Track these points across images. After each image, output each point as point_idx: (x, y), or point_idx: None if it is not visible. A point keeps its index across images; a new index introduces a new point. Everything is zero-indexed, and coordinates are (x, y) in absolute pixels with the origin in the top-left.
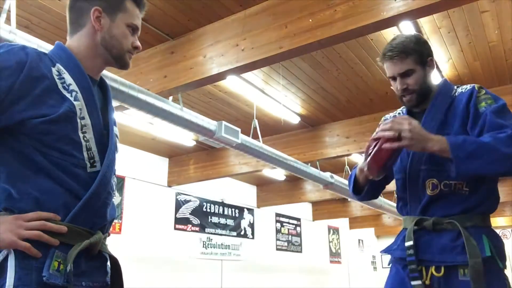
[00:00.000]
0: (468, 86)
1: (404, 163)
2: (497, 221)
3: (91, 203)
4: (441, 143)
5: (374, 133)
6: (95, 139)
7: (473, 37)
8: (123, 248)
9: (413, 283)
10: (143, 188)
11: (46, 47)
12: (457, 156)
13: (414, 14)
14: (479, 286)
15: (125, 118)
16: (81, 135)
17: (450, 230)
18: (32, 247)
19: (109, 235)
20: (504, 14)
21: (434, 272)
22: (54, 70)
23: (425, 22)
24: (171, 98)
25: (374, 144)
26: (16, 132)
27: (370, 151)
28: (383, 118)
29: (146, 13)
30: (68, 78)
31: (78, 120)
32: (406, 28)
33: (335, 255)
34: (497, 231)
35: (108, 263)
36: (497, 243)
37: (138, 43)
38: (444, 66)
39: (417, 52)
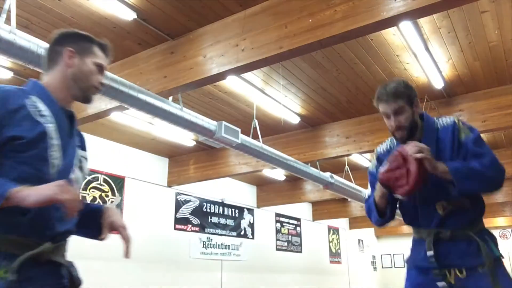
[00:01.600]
0: (448, 120)
1: None
2: (497, 221)
3: (36, 218)
4: (443, 166)
5: (385, 166)
6: (62, 158)
7: (473, 37)
8: (123, 248)
9: (439, 284)
10: (143, 188)
11: (46, 46)
12: (457, 178)
13: (414, 14)
14: (495, 278)
15: (125, 118)
16: (50, 153)
17: (463, 238)
18: None
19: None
20: (504, 14)
21: (458, 274)
22: (28, 101)
23: (425, 22)
24: (171, 98)
25: (400, 171)
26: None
27: (401, 178)
28: (376, 150)
29: (146, 13)
30: (42, 106)
31: (48, 141)
32: (406, 28)
33: (335, 255)
34: (497, 231)
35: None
36: (495, 240)
37: (103, 80)
38: (444, 66)
39: (406, 95)
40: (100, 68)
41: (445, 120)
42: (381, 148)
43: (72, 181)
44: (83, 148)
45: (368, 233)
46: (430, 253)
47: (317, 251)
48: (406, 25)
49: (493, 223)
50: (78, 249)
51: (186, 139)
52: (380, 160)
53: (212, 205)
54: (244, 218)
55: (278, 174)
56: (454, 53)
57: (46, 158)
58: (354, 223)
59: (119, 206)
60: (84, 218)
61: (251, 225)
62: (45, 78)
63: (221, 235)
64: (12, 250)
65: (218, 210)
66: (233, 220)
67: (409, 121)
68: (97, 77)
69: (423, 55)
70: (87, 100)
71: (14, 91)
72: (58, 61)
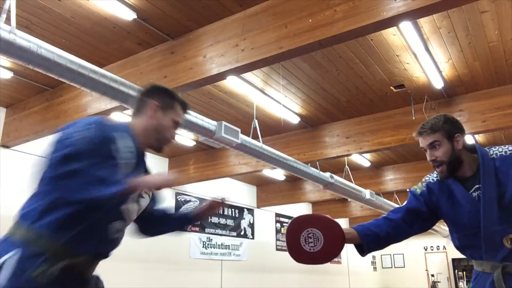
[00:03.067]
0: (507, 149)
1: (474, 221)
2: None
3: (94, 235)
4: None
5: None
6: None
7: (473, 37)
8: (123, 248)
9: None
10: None
11: (46, 47)
12: None
13: (414, 14)
14: None
15: (125, 118)
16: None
17: None
18: None
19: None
20: (504, 14)
21: None
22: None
23: (425, 22)
24: None
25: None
26: None
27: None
28: (425, 178)
29: (146, 13)
30: (134, 148)
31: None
32: (406, 28)
33: None
34: None
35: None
36: None
37: (175, 135)
38: (444, 66)
39: (444, 129)
40: (176, 124)
41: (501, 149)
42: (430, 178)
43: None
44: None
45: None
46: None
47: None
48: (406, 25)
49: None
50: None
51: (186, 139)
52: (429, 189)
53: None
54: (244, 218)
55: (278, 174)
56: (454, 53)
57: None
58: (354, 223)
59: None
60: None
61: (251, 225)
62: (132, 122)
63: (221, 235)
64: (56, 256)
65: (218, 210)
66: (233, 220)
67: (447, 156)
68: (172, 132)
69: (423, 55)
70: (160, 149)
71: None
72: (144, 111)
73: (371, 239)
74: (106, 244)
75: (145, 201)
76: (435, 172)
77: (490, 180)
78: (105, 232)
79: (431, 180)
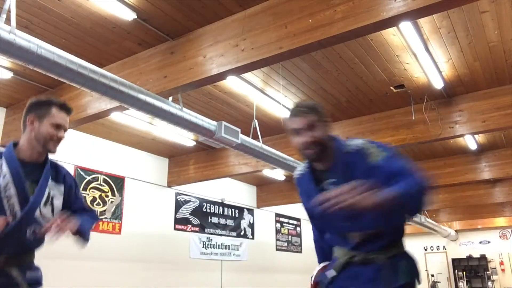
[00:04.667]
0: (358, 142)
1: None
2: (497, 221)
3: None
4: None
5: None
6: (20, 203)
7: (473, 38)
8: (123, 248)
9: None
10: (143, 188)
11: (46, 47)
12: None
13: (414, 14)
14: None
15: (125, 118)
16: (5, 201)
17: (374, 263)
18: None
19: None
20: (504, 14)
21: None
22: None
23: (425, 22)
24: (171, 98)
25: None
26: None
27: None
28: (294, 175)
29: (146, 13)
30: (4, 167)
31: (2, 192)
32: (406, 28)
33: None
34: (497, 231)
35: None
36: (412, 264)
37: (61, 135)
38: (444, 66)
39: (320, 112)
40: (57, 126)
41: (354, 143)
42: (296, 173)
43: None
44: (58, 180)
45: None
46: (330, 273)
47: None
48: (406, 25)
49: (493, 223)
50: (78, 250)
51: (186, 139)
52: (297, 185)
53: (212, 205)
54: (244, 218)
55: (278, 174)
56: (454, 53)
57: (2, 206)
58: None
59: (119, 206)
60: None
61: (251, 225)
62: (20, 139)
63: (221, 235)
64: None
65: (218, 210)
66: (233, 220)
67: (321, 138)
68: (54, 133)
69: (423, 55)
70: (49, 151)
71: None
72: (26, 126)
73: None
74: (23, 244)
75: (58, 201)
76: (300, 166)
77: (340, 175)
78: (22, 236)
79: (297, 175)
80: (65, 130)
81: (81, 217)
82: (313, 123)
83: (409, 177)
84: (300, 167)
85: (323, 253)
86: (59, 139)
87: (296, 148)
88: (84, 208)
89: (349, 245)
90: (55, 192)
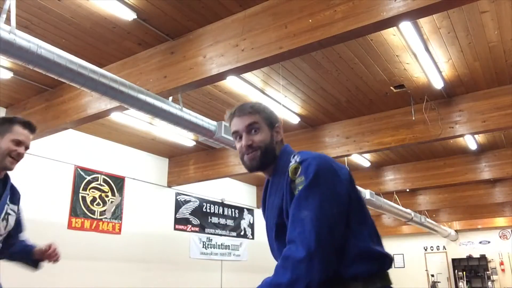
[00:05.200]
0: (290, 163)
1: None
2: (497, 221)
3: None
4: None
5: None
6: None
7: (473, 38)
8: (123, 248)
9: None
10: (143, 188)
11: (46, 47)
12: None
13: (414, 14)
14: None
15: (125, 118)
16: None
17: None
18: None
19: None
20: (504, 15)
21: None
22: None
23: (425, 22)
24: (171, 98)
25: None
26: None
27: None
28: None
29: (146, 13)
30: None
31: None
32: (406, 28)
33: None
34: (497, 231)
35: None
36: None
37: (20, 151)
38: (444, 66)
39: (265, 113)
40: (18, 142)
41: (295, 158)
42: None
43: None
44: (14, 201)
45: None
46: None
47: None
48: (406, 25)
49: (493, 223)
50: (78, 250)
51: (186, 139)
52: None
53: (212, 205)
54: (244, 218)
55: None
56: (454, 53)
57: None
58: None
59: (119, 206)
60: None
61: (251, 225)
62: None
63: (221, 235)
64: None
65: (218, 210)
66: (233, 221)
67: (265, 143)
68: (14, 150)
69: (423, 55)
70: (6, 168)
71: None
72: None
73: None
74: None
75: (12, 218)
76: None
77: (276, 194)
78: None
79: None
80: (26, 147)
81: (28, 245)
82: (255, 125)
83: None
84: None
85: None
86: (18, 156)
87: (240, 157)
88: (21, 231)
89: None
90: (10, 211)
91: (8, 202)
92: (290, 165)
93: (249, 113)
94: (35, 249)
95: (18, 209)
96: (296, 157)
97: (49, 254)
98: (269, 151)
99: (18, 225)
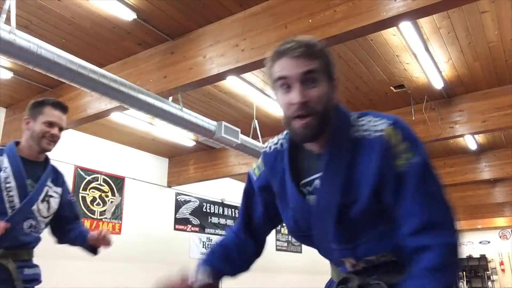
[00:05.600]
0: (377, 126)
1: (302, 224)
2: (497, 221)
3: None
4: None
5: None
6: (19, 195)
7: (473, 38)
8: (123, 248)
9: None
10: (143, 188)
11: (46, 47)
12: None
13: (414, 14)
14: None
15: (125, 118)
16: (5, 193)
17: None
18: None
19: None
20: (504, 15)
21: None
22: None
23: (425, 22)
24: (171, 98)
25: None
26: None
27: None
28: (263, 150)
29: (146, 13)
30: (5, 162)
31: (3, 184)
32: (406, 28)
33: None
34: (497, 231)
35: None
36: None
37: (54, 132)
38: (444, 66)
39: (327, 59)
40: (50, 124)
41: (372, 125)
42: (269, 145)
43: (27, 212)
44: (57, 183)
45: None
46: None
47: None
48: (406, 25)
49: (493, 223)
50: (78, 250)
51: (186, 139)
52: (266, 164)
53: (212, 205)
54: None
55: None
56: (454, 54)
57: (2, 198)
58: None
59: (119, 206)
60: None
61: None
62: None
63: (221, 235)
64: None
65: (218, 211)
66: (233, 221)
67: (323, 102)
68: (47, 131)
69: (423, 55)
70: (44, 150)
71: None
72: (23, 127)
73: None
74: (20, 238)
75: (55, 200)
76: (278, 138)
77: (337, 172)
78: (19, 229)
79: (268, 150)
80: (60, 128)
81: (84, 231)
82: (313, 75)
83: (439, 245)
84: (275, 138)
85: (224, 253)
86: (52, 137)
87: (284, 114)
88: (76, 216)
89: (342, 269)
90: (53, 193)
91: (49, 184)
92: (382, 128)
93: (308, 55)
94: (89, 235)
95: (63, 192)
96: (378, 119)
97: (100, 240)
98: (327, 115)
99: (69, 209)
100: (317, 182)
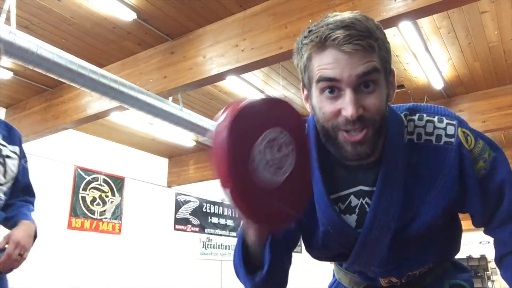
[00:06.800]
0: (444, 130)
1: (335, 245)
2: None
3: None
4: None
5: None
6: None
7: (473, 38)
8: (123, 249)
9: None
10: (143, 188)
11: (46, 47)
12: None
13: (414, 14)
14: None
15: (125, 118)
16: None
17: None
18: None
19: None
20: (504, 15)
21: None
22: None
23: (425, 23)
24: (171, 98)
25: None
26: None
27: None
28: None
29: (146, 13)
30: None
31: None
32: (406, 28)
33: None
34: None
35: None
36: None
37: None
38: (444, 66)
39: (384, 50)
40: None
41: (434, 126)
42: None
43: None
44: (12, 141)
45: None
46: None
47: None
48: (406, 26)
49: None
50: (78, 250)
51: (186, 139)
52: None
53: (212, 205)
54: None
55: None
56: (454, 54)
57: None
58: None
59: (119, 206)
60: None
61: None
62: None
63: (221, 235)
64: None
65: (218, 211)
66: (233, 221)
67: (381, 112)
68: None
69: (423, 55)
70: None
71: None
72: None
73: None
74: None
75: (12, 162)
76: None
77: (393, 188)
78: None
79: None
80: None
81: (19, 215)
82: (373, 76)
83: None
84: None
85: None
86: None
87: (320, 120)
88: (26, 187)
89: (368, 280)
90: (10, 152)
91: (1, 141)
92: (452, 133)
93: (367, 48)
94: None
95: (21, 152)
96: (437, 118)
97: (3, 263)
98: (384, 122)
99: (21, 177)
100: (353, 199)
